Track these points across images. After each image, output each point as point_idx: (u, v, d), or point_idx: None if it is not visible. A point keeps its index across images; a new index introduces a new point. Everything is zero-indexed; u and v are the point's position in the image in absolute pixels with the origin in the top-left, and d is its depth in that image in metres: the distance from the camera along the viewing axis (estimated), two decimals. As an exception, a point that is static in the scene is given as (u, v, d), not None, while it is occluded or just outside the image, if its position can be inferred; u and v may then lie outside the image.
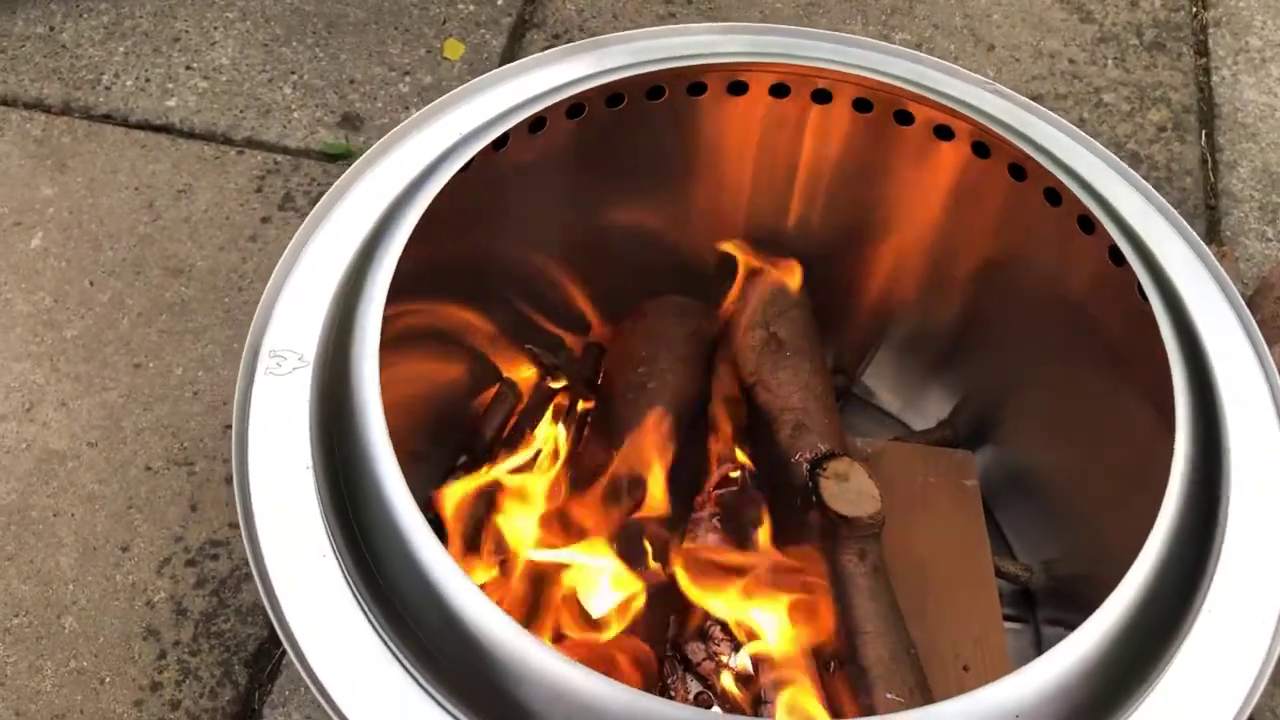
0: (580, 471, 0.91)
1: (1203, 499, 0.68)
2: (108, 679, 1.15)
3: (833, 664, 0.84)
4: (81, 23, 1.67)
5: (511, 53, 1.69)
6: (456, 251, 0.82)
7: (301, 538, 0.63)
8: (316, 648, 0.60)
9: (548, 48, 1.69)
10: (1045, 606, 1.02)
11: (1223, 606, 0.65)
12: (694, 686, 0.92)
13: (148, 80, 1.62)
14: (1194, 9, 1.80)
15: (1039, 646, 1.01)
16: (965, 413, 1.09)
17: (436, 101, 0.83)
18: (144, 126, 1.57)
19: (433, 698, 0.58)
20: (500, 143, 0.80)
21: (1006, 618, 0.99)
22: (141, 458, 1.29)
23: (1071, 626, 0.65)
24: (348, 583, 0.61)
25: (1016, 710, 0.60)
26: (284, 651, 1.19)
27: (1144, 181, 0.82)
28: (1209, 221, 1.56)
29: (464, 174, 0.76)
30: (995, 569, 1.00)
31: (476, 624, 0.58)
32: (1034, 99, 1.66)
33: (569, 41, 1.70)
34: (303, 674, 0.58)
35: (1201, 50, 1.75)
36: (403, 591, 0.60)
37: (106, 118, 1.58)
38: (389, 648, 0.60)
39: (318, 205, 0.76)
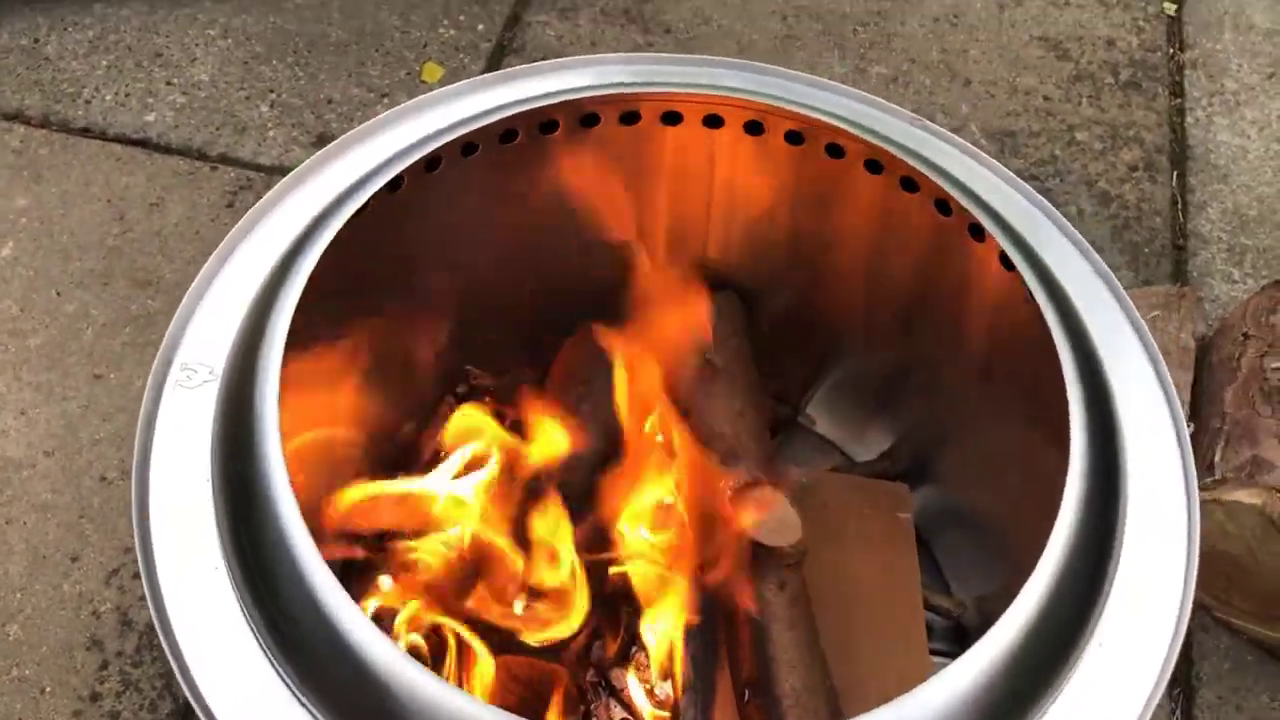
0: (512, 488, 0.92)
1: (1096, 533, 0.68)
2: (48, 688, 1.16)
3: (747, 693, 0.84)
4: (66, 36, 1.70)
5: (489, 77, 1.70)
6: (380, 271, 0.82)
7: (195, 551, 0.63)
8: (201, 661, 0.60)
9: (525, 73, 1.71)
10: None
11: (1113, 640, 0.66)
12: (618, 713, 0.92)
13: (128, 94, 1.64)
14: (1171, 50, 1.81)
15: (970, 683, 1.00)
16: (905, 447, 1.09)
17: (372, 121, 0.84)
18: (121, 140, 1.59)
19: (312, 713, 0.59)
20: (431, 164, 0.81)
21: (939, 653, 0.99)
22: (96, 468, 1.30)
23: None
24: (237, 598, 0.62)
25: None
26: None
27: (1066, 222, 0.83)
28: (1176, 261, 1.56)
29: (389, 191, 0.77)
30: (927, 603, 1.00)
31: (361, 648, 0.59)
32: (1007, 135, 1.68)
33: (546, 67, 1.72)
34: (183, 686, 0.59)
35: (1177, 91, 1.76)
36: (288, 608, 0.61)
37: (85, 130, 1.60)
38: (273, 665, 0.60)
39: (244, 218, 0.77)
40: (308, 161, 0.81)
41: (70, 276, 1.45)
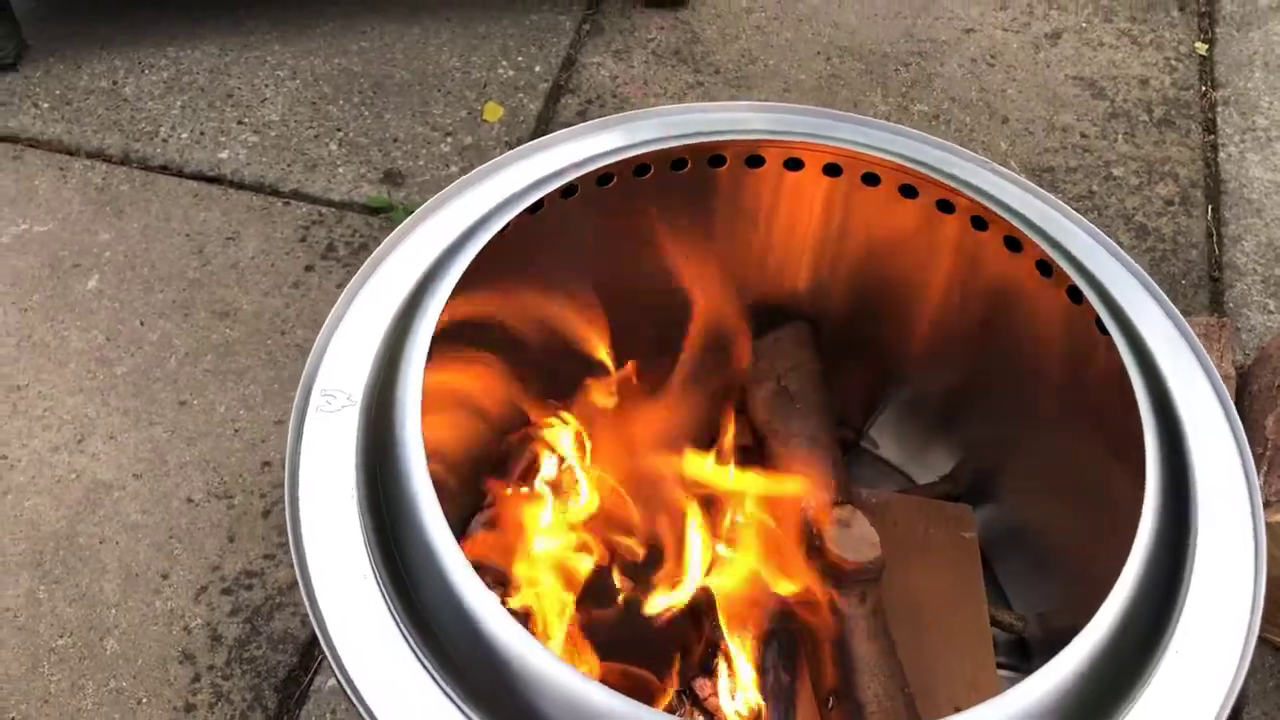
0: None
1: (1170, 551, 0.73)
2: (145, 699, 1.21)
3: (830, 700, 0.89)
4: (143, 78, 1.78)
5: (547, 116, 1.77)
6: (494, 305, 0.89)
7: (344, 560, 0.69)
8: (357, 661, 0.66)
9: (581, 112, 1.79)
10: (1039, 656, 1.06)
11: (1189, 648, 0.71)
12: (701, 721, 0.97)
13: (202, 133, 1.71)
14: (1203, 88, 1.87)
15: (1033, 695, 1.05)
16: (966, 469, 1.15)
17: (479, 169, 0.90)
18: (197, 177, 1.66)
19: (461, 709, 0.64)
20: (535, 208, 0.87)
21: (1001, 666, 1.04)
22: (183, 490, 1.36)
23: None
24: (386, 603, 0.68)
25: None
26: (312, 677, 1.25)
27: (1132, 261, 0.88)
28: (1212, 293, 1.62)
29: (501, 236, 0.84)
30: (991, 618, 1.05)
31: (502, 642, 0.64)
32: (1045, 171, 1.73)
33: (601, 105, 1.79)
34: (342, 684, 0.64)
35: (1210, 128, 1.82)
36: (436, 611, 0.66)
37: (163, 168, 1.67)
38: (422, 662, 0.66)
39: (370, 257, 0.83)
40: (423, 207, 0.87)
41: (153, 307, 1.52)
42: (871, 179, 0.93)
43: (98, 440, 1.40)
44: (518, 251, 0.86)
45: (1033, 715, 0.69)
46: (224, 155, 1.69)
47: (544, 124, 1.77)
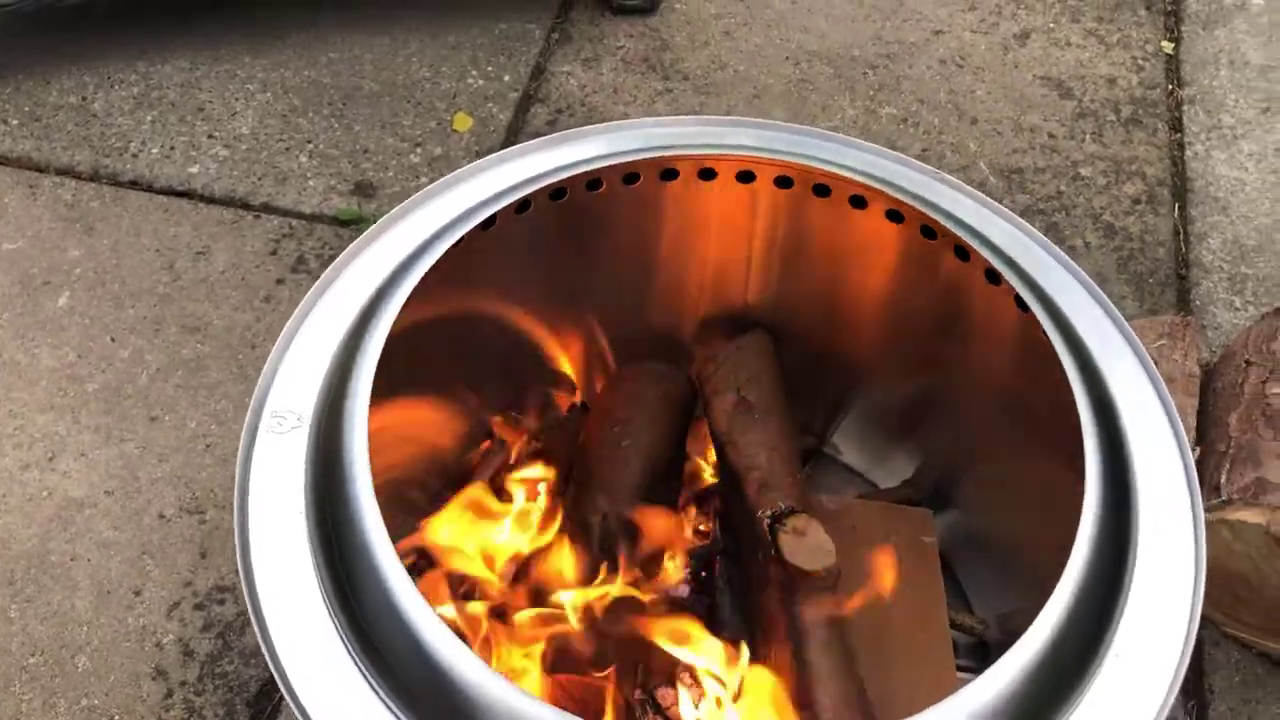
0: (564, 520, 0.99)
1: (1110, 554, 0.74)
2: (116, 717, 1.22)
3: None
4: (112, 93, 1.78)
5: (517, 125, 1.78)
6: (448, 320, 0.89)
7: (293, 583, 0.70)
8: (306, 684, 0.66)
9: (551, 121, 1.79)
10: (999, 658, 1.07)
11: (1128, 651, 0.72)
12: (664, 728, 0.98)
13: (172, 148, 1.72)
14: (1170, 87, 1.89)
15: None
16: (927, 474, 1.16)
17: (437, 183, 0.91)
18: (168, 191, 1.67)
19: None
20: (488, 223, 0.88)
21: (963, 668, 1.05)
22: (155, 506, 1.37)
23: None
24: (335, 624, 0.68)
25: None
26: (281, 697, 1.25)
27: (1079, 268, 0.89)
28: (1179, 291, 1.63)
29: (454, 250, 0.84)
30: (951, 621, 1.06)
31: (450, 666, 0.65)
32: (1014, 172, 1.75)
33: (570, 115, 1.80)
34: (293, 706, 0.65)
35: (1176, 126, 1.83)
36: (383, 632, 0.67)
37: (133, 183, 1.67)
38: (370, 682, 0.67)
39: (323, 275, 0.84)
40: (379, 223, 0.88)
41: (123, 323, 1.52)
42: (822, 190, 0.94)
43: (69, 458, 1.40)
44: (472, 265, 0.87)
45: (978, 717, 0.70)
46: (194, 170, 1.70)
47: (514, 133, 1.77)
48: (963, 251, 0.91)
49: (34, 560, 1.31)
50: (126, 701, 1.23)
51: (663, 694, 0.98)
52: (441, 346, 0.90)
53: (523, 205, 0.90)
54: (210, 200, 1.66)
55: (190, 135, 1.74)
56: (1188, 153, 1.80)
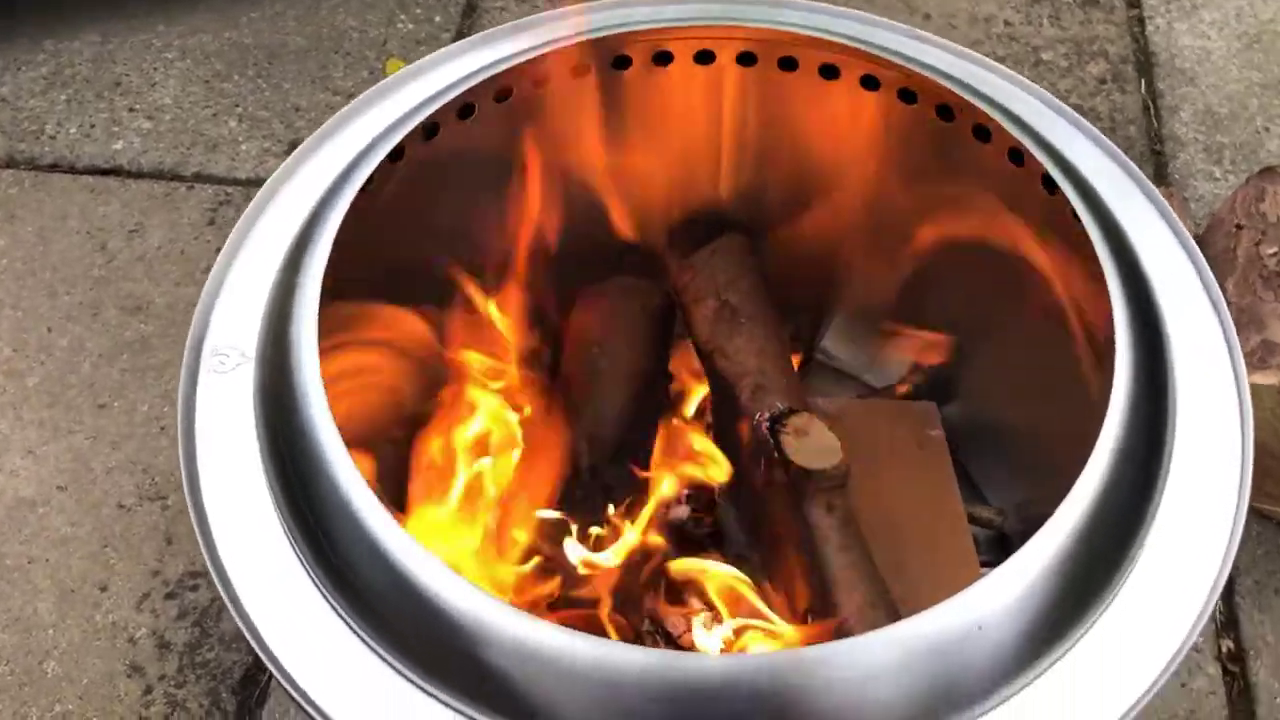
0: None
1: (1148, 417, 0.68)
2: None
3: (809, 617, 0.84)
4: (20, 75, 1.67)
5: (452, 66, 1.69)
6: (393, 240, 0.82)
7: (254, 525, 0.63)
8: (281, 639, 0.60)
9: (488, 58, 1.70)
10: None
11: (1177, 509, 0.66)
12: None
13: (92, 126, 1.62)
14: (1123, -38, 1.82)
15: (1020, 589, 1.00)
16: (925, 369, 1.09)
17: (365, 94, 0.83)
18: (92, 171, 1.57)
19: (387, 661, 0.58)
20: (430, 131, 0.80)
21: (982, 562, 0.99)
22: (113, 496, 1.28)
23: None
24: (302, 564, 0.61)
25: (978, 621, 0.61)
26: (270, 676, 1.18)
27: (1073, 112, 0.83)
28: (1156, 166, 1.58)
29: (393, 162, 0.77)
30: (968, 515, 1.00)
31: (428, 587, 0.58)
32: (972, 63, 1.68)
33: (509, 50, 1.71)
34: (245, 632, 0.58)
35: (1134, 3, 1.78)
36: (356, 564, 0.60)
37: (53, 166, 1.57)
38: (347, 624, 0.60)
39: (251, 203, 0.76)
40: (293, 155, 0.80)
41: (59, 311, 1.43)
42: (789, 64, 0.87)
43: (14, 456, 1.31)
44: (415, 179, 0.79)
45: (1022, 595, 0.64)
46: (118, 146, 1.60)
47: (452, 75, 1.69)
48: (947, 110, 0.84)
49: (-12, 567, 1.23)
50: (102, 703, 1.15)
51: (673, 623, 0.92)
52: (386, 274, 0.82)
53: (465, 110, 0.82)
54: (138, 175, 1.57)
55: (110, 111, 1.64)
56: (1148, 27, 1.74)
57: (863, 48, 0.82)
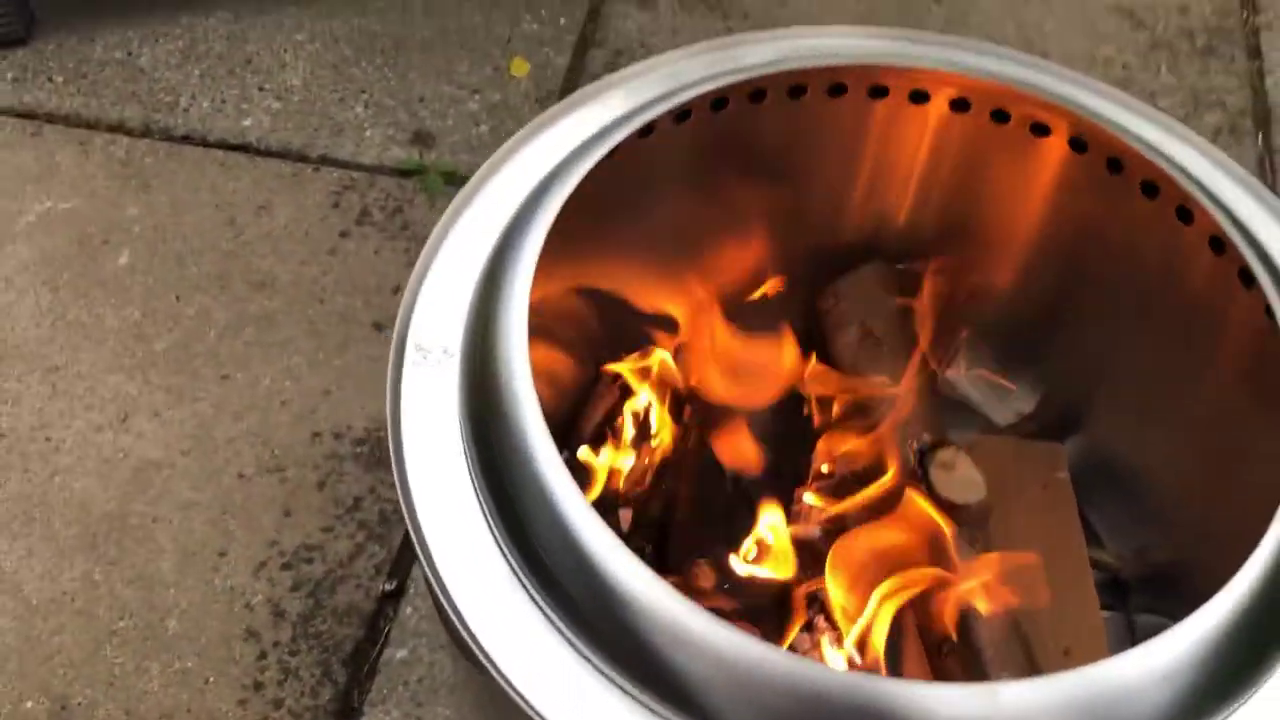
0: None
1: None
2: (212, 679, 1.18)
3: (944, 647, 0.86)
4: (158, 47, 1.72)
5: (575, 70, 1.73)
6: (591, 244, 0.84)
7: (457, 512, 0.66)
8: (480, 616, 0.62)
9: (609, 64, 1.74)
10: (1138, 594, 1.03)
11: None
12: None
13: (223, 101, 1.66)
14: (1244, 14, 1.83)
15: (1132, 634, 1.02)
16: (1050, 404, 1.11)
17: (570, 97, 0.85)
18: (222, 146, 1.61)
19: (587, 659, 0.61)
20: (646, 131, 0.82)
21: (1104, 606, 1.01)
22: (234, 466, 1.33)
23: (1165, 614, 0.65)
24: (504, 557, 0.64)
25: (1124, 690, 0.61)
26: (381, 650, 1.22)
27: (1236, 165, 0.84)
28: (1270, 221, 1.58)
29: (610, 160, 0.79)
30: (1089, 559, 1.02)
31: (635, 595, 0.61)
32: (1091, 105, 1.69)
33: (629, 57, 1.74)
34: (455, 623, 0.61)
35: (1254, 54, 1.78)
36: (559, 566, 0.63)
37: (186, 138, 1.62)
38: (547, 617, 0.62)
39: (455, 199, 0.78)
40: (506, 145, 0.83)
41: (188, 281, 1.48)
42: (1001, 116, 0.89)
43: (142, 418, 1.36)
44: (624, 181, 0.81)
45: (1171, 669, 0.64)
46: (248, 123, 1.64)
47: (572, 78, 1.72)
48: (1116, 163, 0.85)
49: (115, 523, 1.27)
50: (219, 663, 1.19)
51: (799, 639, 0.95)
52: (576, 275, 0.84)
53: (682, 114, 0.84)
54: (267, 153, 1.61)
55: (241, 88, 1.68)
56: (1268, 80, 1.74)
57: (1073, 109, 0.84)
